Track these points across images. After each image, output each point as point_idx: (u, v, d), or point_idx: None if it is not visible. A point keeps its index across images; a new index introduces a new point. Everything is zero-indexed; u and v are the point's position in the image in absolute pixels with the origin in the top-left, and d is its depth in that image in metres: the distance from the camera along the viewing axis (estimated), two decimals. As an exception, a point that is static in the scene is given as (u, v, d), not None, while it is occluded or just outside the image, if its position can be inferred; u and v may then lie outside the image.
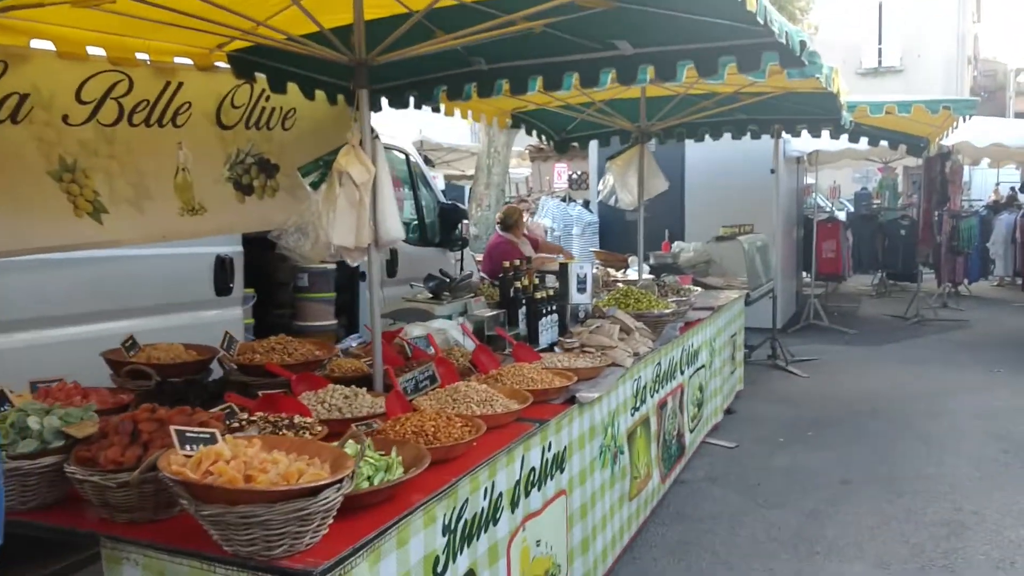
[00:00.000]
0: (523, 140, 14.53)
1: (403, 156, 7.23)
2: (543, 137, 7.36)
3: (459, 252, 7.37)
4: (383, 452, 2.48)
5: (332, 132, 5.06)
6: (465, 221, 7.24)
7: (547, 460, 3.12)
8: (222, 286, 4.94)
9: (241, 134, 4.50)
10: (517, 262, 4.69)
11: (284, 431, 2.67)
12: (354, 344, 4.44)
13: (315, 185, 3.31)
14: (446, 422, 2.77)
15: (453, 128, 14.81)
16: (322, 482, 1.93)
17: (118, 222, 3.83)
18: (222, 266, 4.92)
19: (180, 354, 3.40)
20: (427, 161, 16.08)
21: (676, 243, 9.00)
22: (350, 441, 2.23)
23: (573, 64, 4.26)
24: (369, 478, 2.31)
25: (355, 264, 3.36)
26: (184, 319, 4.73)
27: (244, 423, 2.69)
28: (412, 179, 7.27)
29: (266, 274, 6.49)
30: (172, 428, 2.07)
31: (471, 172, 14.96)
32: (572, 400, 3.43)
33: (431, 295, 4.71)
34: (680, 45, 3.90)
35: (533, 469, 3.01)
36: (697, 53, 3.86)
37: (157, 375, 3.23)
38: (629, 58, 4.04)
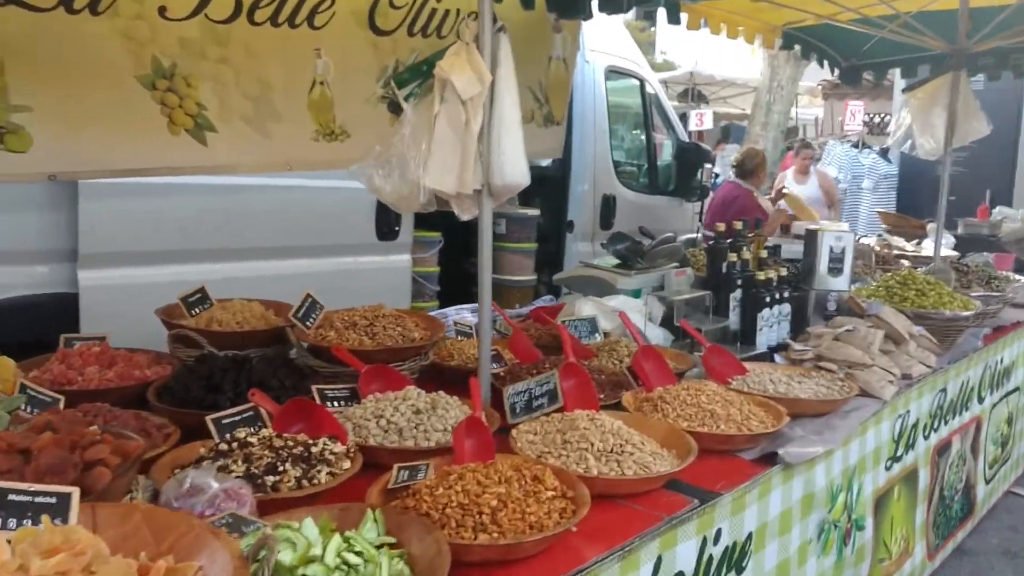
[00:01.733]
0: (815, 74, 12.47)
1: (637, 82, 6.01)
2: (824, 63, 5.74)
3: (698, 203, 6.05)
4: (392, 543, 1.49)
5: (526, 45, 4.05)
6: (708, 166, 5.89)
7: (709, 557, 1.93)
8: (385, 228, 4.17)
9: (402, 42, 3.61)
10: (740, 224, 3.38)
11: (287, 467, 1.76)
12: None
13: (410, 98, 2.34)
14: (525, 489, 1.69)
15: (732, 59, 13.11)
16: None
17: (229, 144, 3.11)
18: (384, 205, 4.13)
19: (250, 318, 2.62)
20: (700, 97, 14.53)
21: (998, 209, 6.90)
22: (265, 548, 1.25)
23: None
24: (327, 601, 1.33)
25: (466, 218, 2.36)
26: (336, 264, 4.04)
27: (235, 448, 1.82)
28: (646, 111, 6.04)
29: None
30: (-23, 487, 1.22)
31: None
32: (774, 456, 2.18)
33: (619, 260, 3.57)
34: None
35: (680, 575, 1.85)
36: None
37: (209, 344, 2.48)
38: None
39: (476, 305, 4.89)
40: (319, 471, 1.79)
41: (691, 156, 5.96)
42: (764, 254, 3.29)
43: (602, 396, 2.41)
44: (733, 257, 3.14)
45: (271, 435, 1.89)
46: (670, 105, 6.56)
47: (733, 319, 3.13)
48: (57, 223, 3.17)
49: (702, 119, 11.87)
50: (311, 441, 1.89)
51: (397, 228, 4.21)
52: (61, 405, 2.09)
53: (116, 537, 1.26)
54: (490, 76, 2.18)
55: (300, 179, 3.79)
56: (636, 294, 3.44)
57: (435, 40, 3.73)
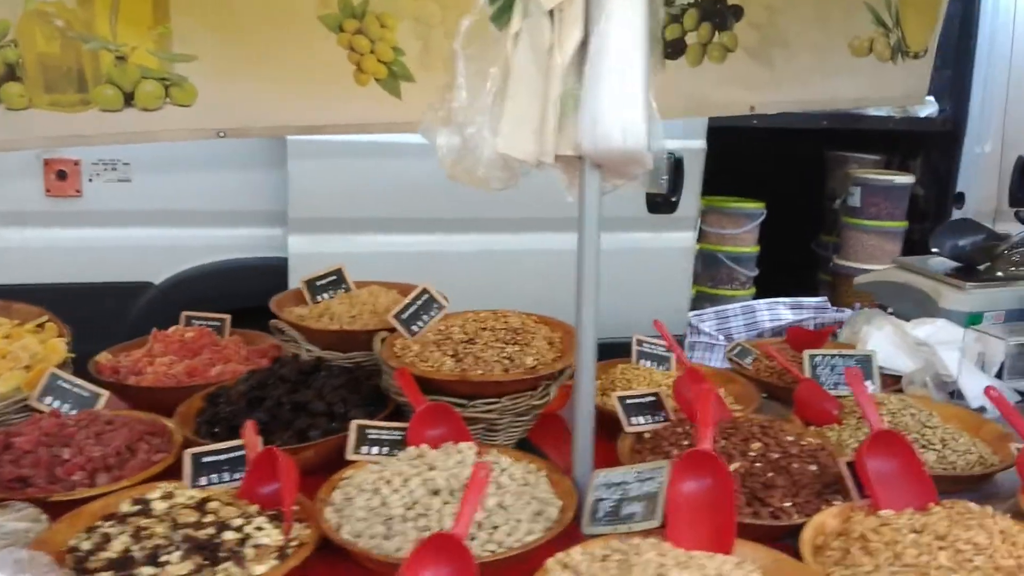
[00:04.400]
0: None
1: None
2: None
3: None
4: None
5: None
6: None
7: None
8: (659, 199, 3.35)
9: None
10: None
11: (171, 559, 1.22)
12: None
13: (500, 19, 1.55)
14: None
15: None
16: None
17: (428, 96, 2.61)
18: (660, 169, 3.31)
19: (365, 312, 2.10)
20: None
21: None
22: None
23: None
24: None
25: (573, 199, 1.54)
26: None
27: (134, 513, 1.32)
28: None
29: (816, 179, 4.53)
30: None
31: None
32: None
33: (955, 263, 2.31)
34: None
35: None
36: None
37: (309, 341, 2.02)
38: None
39: (799, 300, 3.88)
40: (216, 573, 1.22)
41: None
42: None
43: (788, 506, 1.44)
44: None
45: (196, 500, 1.35)
46: None
47: None
48: (271, 184, 3.00)
49: None
50: (239, 520, 1.32)
51: (675, 199, 3.35)
52: (101, 403, 1.82)
53: None
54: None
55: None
56: (974, 319, 2.21)
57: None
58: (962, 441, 1.70)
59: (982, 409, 1.94)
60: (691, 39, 2.77)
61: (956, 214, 4.04)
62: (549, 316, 1.99)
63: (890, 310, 2.41)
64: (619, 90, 1.33)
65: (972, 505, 1.37)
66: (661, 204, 3.35)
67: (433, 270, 2.99)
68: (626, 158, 1.38)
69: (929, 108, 3.96)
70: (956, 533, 1.25)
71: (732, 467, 1.51)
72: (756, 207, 3.96)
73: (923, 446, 1.67)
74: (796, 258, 4.47)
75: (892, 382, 2.08)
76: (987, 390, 1.58)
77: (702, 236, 4.02)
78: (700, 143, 3.35)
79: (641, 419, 1.73)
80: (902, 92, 3.13)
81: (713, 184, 4.02)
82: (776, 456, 1.54)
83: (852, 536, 1.29)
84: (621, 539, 1.29)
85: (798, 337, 2.18)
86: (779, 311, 3.69)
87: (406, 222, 3.08)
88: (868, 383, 1.95)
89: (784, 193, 4.27)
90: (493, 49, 1.46)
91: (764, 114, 3.71)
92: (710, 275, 4.03)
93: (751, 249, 4.00)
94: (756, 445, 1.57)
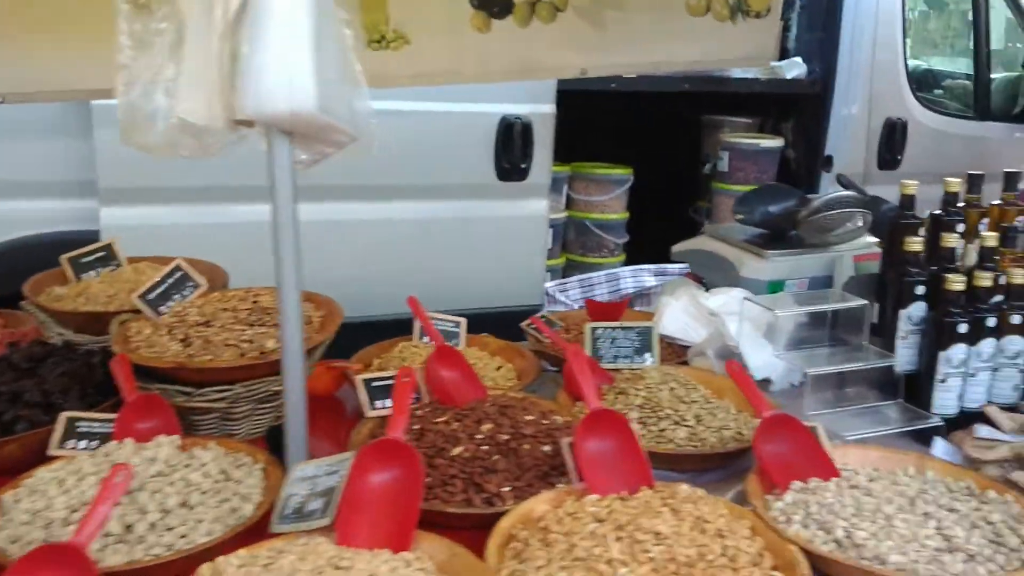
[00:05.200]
0: None
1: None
2: None
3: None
4: None
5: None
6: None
7: None
8: (510, 165, 3.23)
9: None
10: (955, 182, 1.88)
11: None
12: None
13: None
14: None
15: None
16: None
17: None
18: (509, 135, 3.20)
19: (123, 292, 1.95)
20: None
21: None
22: None
23: None
24: None
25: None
26: (436, 210, 3.22)
27: None
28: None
29: (694, 144, 4.47)
30: None
31: None
32: None
33: (760, 230, 2.25)
34: None
35: None
36: None
37: (59, 324, 1.88)
38: None
39: (663, 267, 3.81)
40: None
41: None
42: (992, 241, 1.77)
43: (506, 491, 1.36)
44: (916, 243, 1.72)
45: None
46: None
47: (904, 356, 1.74)
48: (80, 153, 2.81)
49: None
50: None
51: (525, 165, 3.24)
52: None
53: None
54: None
55: (382, 100, 3.01)
56: (775, 288, 2.15)
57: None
58: (720, 417, 1.64)
59: (767, 381, 1.89)
60: (520, -2, 2.63)
61: (825, 177, 4.01)
62: (317, 293, 1.89)
63: (682, 280, 2.36)
64: (284, 48, 1.21)
65: (684, 488, 1.30)
66: (511, 171, 3.24)
67: (257, 243, 2.86)
68: (297, 121, 1.26)
69: (796, 69, 3.90)
70: (639, 522, 1.17)
71: (455, 451, 1.43)
72: (623, 173, 3.88)
73: (676, 422, 1.61)
74: (672, 224, 4.41)
75: (683, 353, 2.02)
76: (727, 364, 1.52)
77: (570, 203, 3.94)
78: (549, 107, 3.23)
79: (388, 402, 1.63)
80: (743, 53, 3.02)
81: (585, 150, 3.93)
82: (505, 438, 1.46)
83: (538, 526, 1.22)
84: (294, 539, 1.19)
85: (596, 309, 2.10)
86: (643, 278, 3.63)
87: (228, 191, 2.91)
88: (647, 356, 1.88)
89: (660, 159, 4.21)
90: (169, 3, 1.33)
91: (624, 77, 3.63)
92: (580, 243, 3.96)
93: (619, 216, 3.92)
94: (487, 427, 1.48)
